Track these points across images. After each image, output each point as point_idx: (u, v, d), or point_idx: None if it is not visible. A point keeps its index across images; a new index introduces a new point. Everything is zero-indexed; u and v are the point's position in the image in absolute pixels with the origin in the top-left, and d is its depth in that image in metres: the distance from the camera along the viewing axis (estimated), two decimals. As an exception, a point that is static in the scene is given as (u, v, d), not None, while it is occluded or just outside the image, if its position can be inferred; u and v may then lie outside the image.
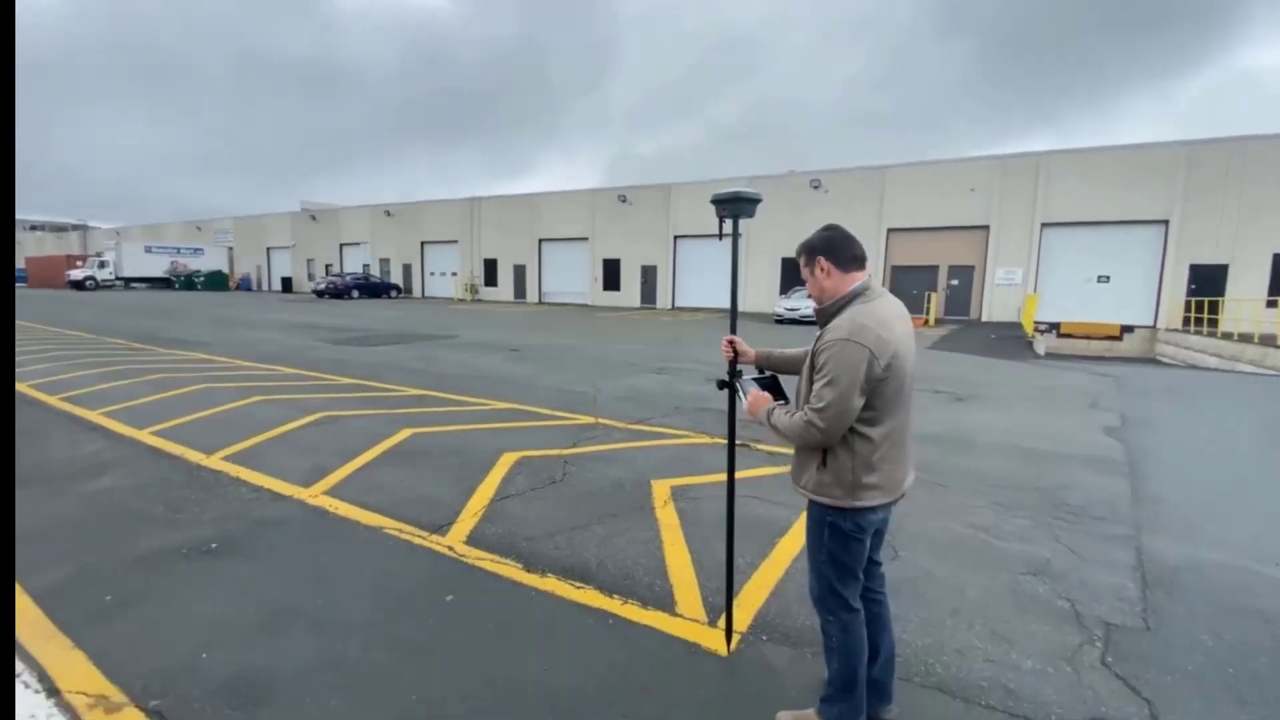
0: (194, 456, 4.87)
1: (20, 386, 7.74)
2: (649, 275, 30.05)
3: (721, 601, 2.84)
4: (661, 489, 4.29)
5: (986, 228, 22.19)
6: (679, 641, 2.57)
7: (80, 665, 2.36)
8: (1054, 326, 19.72)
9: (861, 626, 1.96)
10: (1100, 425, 6.51)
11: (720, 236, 2.56)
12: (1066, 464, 5.11)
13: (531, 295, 34.05)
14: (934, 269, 23.29)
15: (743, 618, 2.73)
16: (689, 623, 2.70)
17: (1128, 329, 19.61)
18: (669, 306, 29.24)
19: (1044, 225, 21.38)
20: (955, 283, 23.04)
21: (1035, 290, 21.33)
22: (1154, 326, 19.83)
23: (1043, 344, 13.20)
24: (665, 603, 2.85)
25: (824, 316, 1.91)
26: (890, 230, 23.93)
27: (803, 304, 20.62)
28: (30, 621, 2.63)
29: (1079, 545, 3.54)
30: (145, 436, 5.43)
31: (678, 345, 13.63)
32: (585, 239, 31.67)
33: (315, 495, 4.08)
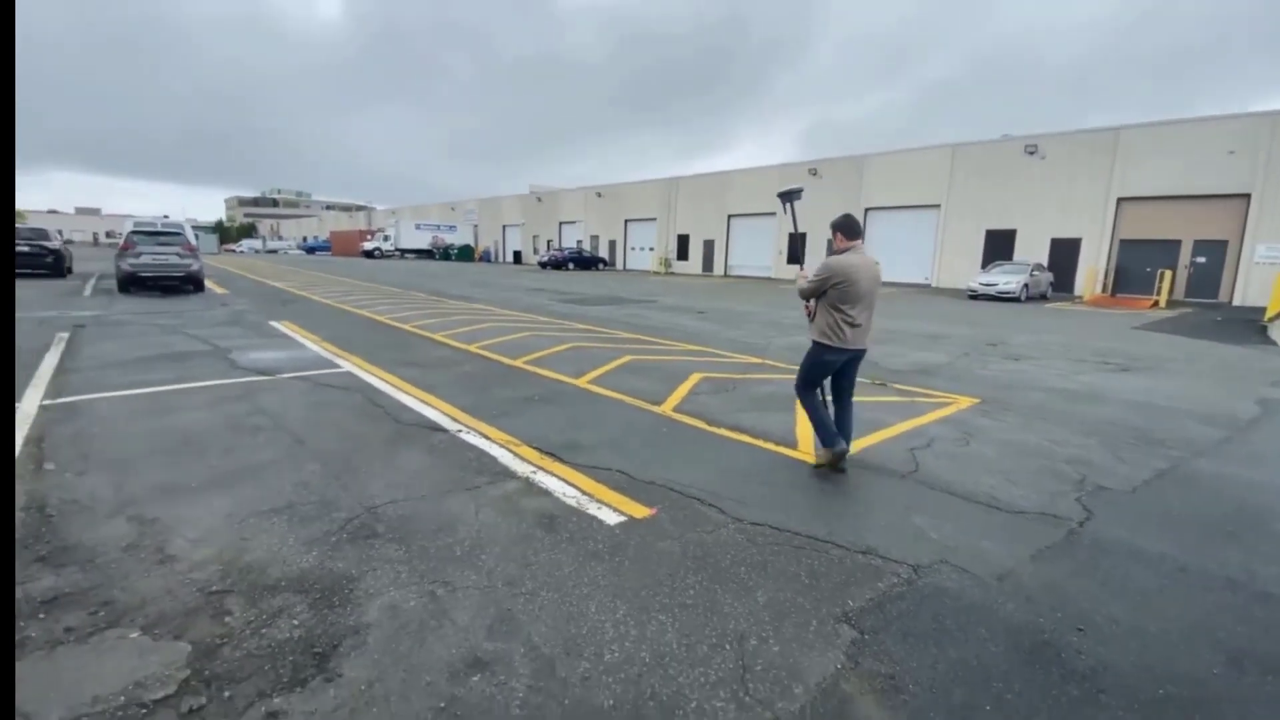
0: (507, 361, 7.75)
1: (378, 317, 11.76)
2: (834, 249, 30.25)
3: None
4: (805, 399, 6.04)
5: (1247, 196, 18.95)
6: (795, 460, 4.41)
7: (497, 432, 4.89)
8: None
9: (815, 402, 4.11)
10: (1257, 397, 6.68)
11: (786, 213, 4.57)
12: (1182, 418, 5.76)
13: (718, 268, 36.12)
14: (1174, 244, 20.50)
15: (838, 455, 4.48)
16: (802, 453, 4.51)
17: None
18: (855, 281, 29.29)
19: (1337, 191, 17.70)
20: (1201, 260, 20.07)
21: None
22: None
23: (1288, 329, 11.59)
24: (790, 445, 4.69)
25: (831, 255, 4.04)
26: (1121, 200, 21.47)
27: (1002, 279, 19.82)
28: (463, 417, 5.28)
29: (1129, 457, 4.60)
30: (474, 349, 8.55)
31: (851, 314, 14.66)
32: (772, 214, 32.74)
33: (582, 382, 6.59)
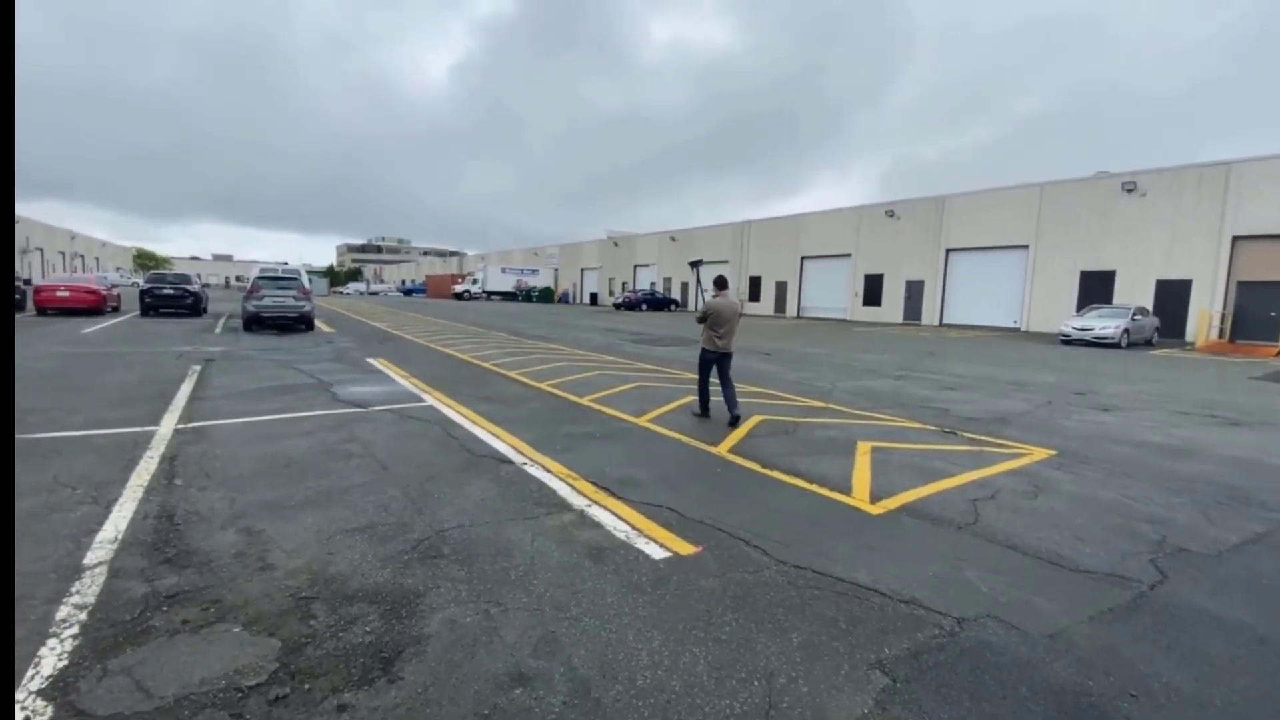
0: (574, 398, 8.12)
1: (461, 355, 12.54)
2: (914, 290, 29.31)
3: (880, 493, 4.59)
4: (864, 446, 5.97)
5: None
6: (848, 506, 4.40)
7: (559, 466, 5.17)
8: None
9: (704, 383, 7.16)
10: (1400, 458, 5.94)
11: (697, 280, 8.15)
12: (1295, 477, 5.25)
13: (791, 310, 35.76)
14: (1305, 286, 18.47)
15: (897, 503, 4.42)
16: (857, 500, 4.50)
17: None
18: (935, 323, 28.15)
19: None
20: (1339, 303, 17.95)
21: None
22: None
23: None
24: (845, 491, 4.68)
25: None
26: (1236, 238, 19.71)
27: (1099, 323, 18.55)
28: (529, 451, 5.61)
29: (1221, 519, 4.26)
30: (544, 386, 9.00)
31: (927, 358, 14.17)
32: (848, 255, 32.25)
33: (643, 421, 6.82)
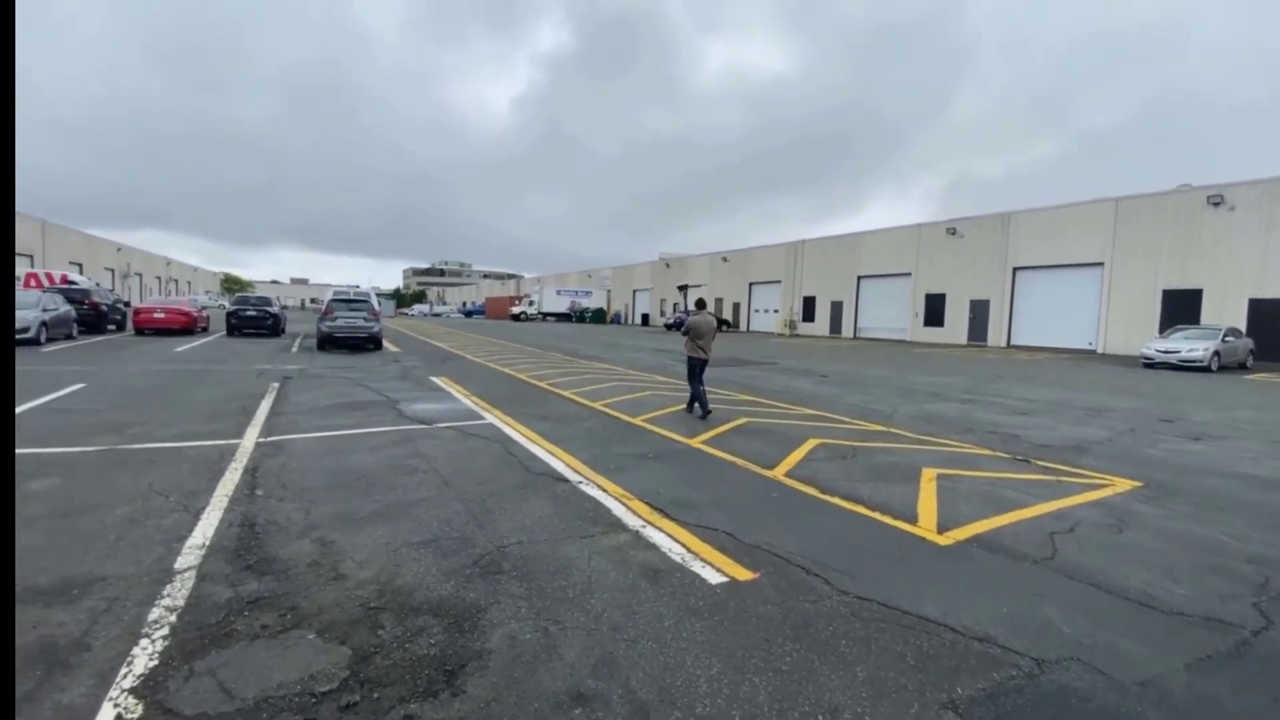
0: (626, 418, 8.17)
1: (519, 374, 12.83)
2: (979, 310, 28.14)
3: (948, 523, 4.40)
4: (929, 472, 5.74)
5: None
6: (913, 535, 4.24)
7: (614, 486, 5.19)
8: None
9: (698, 387, 8.40)
10: None
11: (684, 299, 13.12)
12: None
13: (847, 330, 34.93)
14: None
15: (966, 533, 4.23)
16: (923, 529, 4.32)
17: None
18: (1002, 344, 26.90)
19: None
20: None
21: None
22: None
23: None
24: (909, 519, 4.50)
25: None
26: (1346, 254, 18.07)
27: (1185, 345, 17.33)
28: (586, 470, 5.66)
29: (1338, 561, 3.87)
30: (598, 406, 9.10)
31: (994, 381, 13.55)
32: (907, 274, 31.35)
33: (695, 442, 6.78)
